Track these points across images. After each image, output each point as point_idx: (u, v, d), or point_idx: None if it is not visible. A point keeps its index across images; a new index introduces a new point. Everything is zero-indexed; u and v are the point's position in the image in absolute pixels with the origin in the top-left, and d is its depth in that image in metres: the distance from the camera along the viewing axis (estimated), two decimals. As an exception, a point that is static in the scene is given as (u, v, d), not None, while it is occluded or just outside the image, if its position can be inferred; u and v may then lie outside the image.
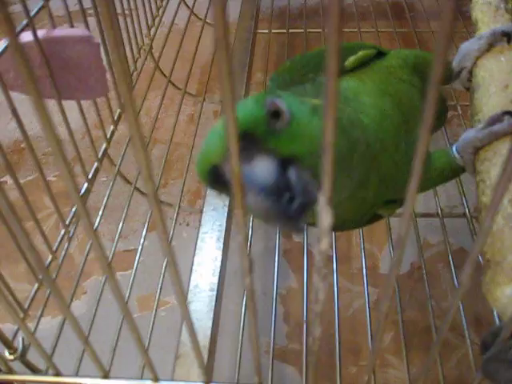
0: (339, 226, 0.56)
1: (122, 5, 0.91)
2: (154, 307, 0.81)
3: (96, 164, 0.78)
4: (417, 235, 0.89)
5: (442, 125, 0.83)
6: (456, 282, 0.80)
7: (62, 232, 0.75)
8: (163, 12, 1.06)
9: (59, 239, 0.75)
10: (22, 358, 0.58)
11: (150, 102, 1.40)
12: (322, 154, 0.40)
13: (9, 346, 0.57)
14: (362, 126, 0.49)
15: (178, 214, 0.93)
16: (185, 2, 1.19)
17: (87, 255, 0.84)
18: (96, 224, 0.88)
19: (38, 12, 0.62)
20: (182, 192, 0.98)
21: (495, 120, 0.54)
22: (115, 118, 0.82)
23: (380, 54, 0.62)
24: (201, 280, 0.78)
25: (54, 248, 0.73)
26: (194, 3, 1.19)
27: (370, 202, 0.53)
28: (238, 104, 0.43)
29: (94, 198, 0.97)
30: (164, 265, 0.86)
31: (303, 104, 0.45)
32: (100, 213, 0.89)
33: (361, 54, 0.58)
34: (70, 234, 0.74)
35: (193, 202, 1.21)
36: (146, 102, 1.03)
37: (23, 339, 0.59)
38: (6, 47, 0.59)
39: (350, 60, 0.57)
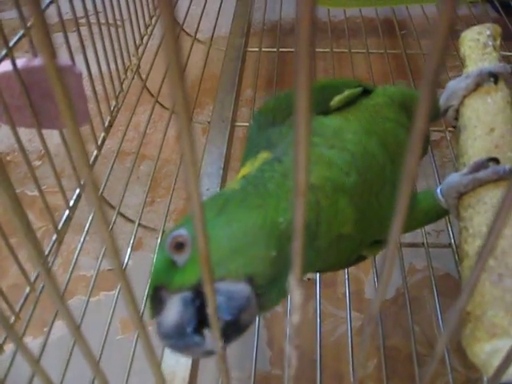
0: (323, 269, 0.55)
1: (107, 22, 0.90)
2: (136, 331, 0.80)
3: (78, 190, 0.77)
4: (401, 263, 0.88)
5: (424, 155, 0.82)
6: (439, 312, 0.80)
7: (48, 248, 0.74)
8: (152, 30, 1.05)
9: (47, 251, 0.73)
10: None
11: (139, 116, 1.39)
12: (230, 257, 0.41)
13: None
14: (342, 182, 0.48)
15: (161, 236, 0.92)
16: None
17: (71, 274, 0.83)
18: (80, 243, 0.88)
19: (18, 41, 0.60)
20: (168, 211, 0.97)
21: (480, 166, 0.54)
22: (99, 142, 0.81)
23: (366, 92, 0.61)
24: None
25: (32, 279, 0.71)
26: (184, 20, 1.18)
27: (356, 245, 0.52)
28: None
29: (79, 214, 0.96)
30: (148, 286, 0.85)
31: (213, 205, 0.45)
32: (84, 232, 0.88)
33: (347, 93, 0.56)
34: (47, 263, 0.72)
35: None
36: (134, 116, 1.02)
37: None
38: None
39: (336, 99, 0.56)
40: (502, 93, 0.60)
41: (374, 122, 0.56)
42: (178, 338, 0.40)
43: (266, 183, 0.47)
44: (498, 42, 0.68)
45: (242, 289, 0.40)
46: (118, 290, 0.88)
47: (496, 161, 0.53)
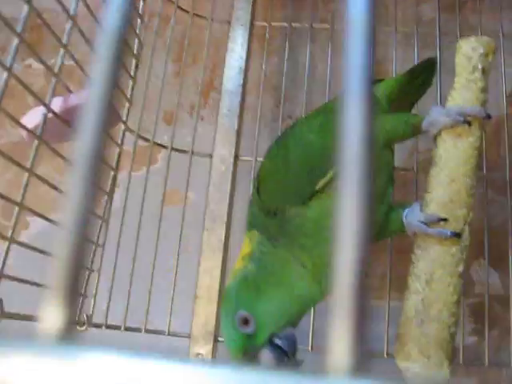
0: None
1: None
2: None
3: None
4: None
5: (430, 86, 0.93)
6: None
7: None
8: None
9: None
10: (90, 325, 0.86)
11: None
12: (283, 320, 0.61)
13: (78, 323, 0.84)
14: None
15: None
16: None
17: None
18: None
19: (53, 94, 0.70)
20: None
21: (432, 220, 0.67)
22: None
23: None
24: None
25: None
26: None
27: None
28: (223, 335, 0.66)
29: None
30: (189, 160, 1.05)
31: (248, 287, 0.66)
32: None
33: (329, 175, 0.66)
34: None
35: (206, 95, 1.31)
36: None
37: (86, 315, 0.86)
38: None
39: (320, 183, 0.66)
40: (472, 138, 0.69)
41: None
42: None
43: (272, 266, 0.68)
44: (490, 59, 0.71)
45: (291, 332, 0.66)
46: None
47: (446, 220, 0.67)
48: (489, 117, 0.68)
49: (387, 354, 0.88)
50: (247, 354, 0.65)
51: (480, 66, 0.71)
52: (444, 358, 0.66)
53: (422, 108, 0.95)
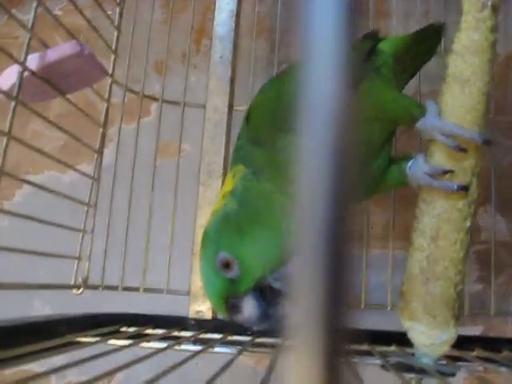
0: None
1: None
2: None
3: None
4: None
5: (434, 54, 0.88)
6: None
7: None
8: None
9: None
10: (86, 287, 0.84)
11: None
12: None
13: (74, 287, 0.82)
14: None
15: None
16: None
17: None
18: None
19: (27, 52, 0.64)
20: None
21: (437, 172, 0.63)
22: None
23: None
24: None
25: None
26: None
27: None
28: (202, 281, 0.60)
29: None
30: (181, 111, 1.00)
31: (230, 227, 0.60)
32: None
33: None
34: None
35: (198, 41, 1.24)
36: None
37: (81, 278, 0.83)
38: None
39: None
40: (480, 83, 0.64)
41: None
42: (268, 321, 0.58)
43: (256, 202, 0.61)
44: (500, -5, 0.65)
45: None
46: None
47: (452, 172, 0.62)
48: (487, 143, 0.62)
49: (391, 307, 0.86)
50: (229, 301, 0.59)
51: (489, 3, 0.64)
52: (450, 317, 0.63)
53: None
